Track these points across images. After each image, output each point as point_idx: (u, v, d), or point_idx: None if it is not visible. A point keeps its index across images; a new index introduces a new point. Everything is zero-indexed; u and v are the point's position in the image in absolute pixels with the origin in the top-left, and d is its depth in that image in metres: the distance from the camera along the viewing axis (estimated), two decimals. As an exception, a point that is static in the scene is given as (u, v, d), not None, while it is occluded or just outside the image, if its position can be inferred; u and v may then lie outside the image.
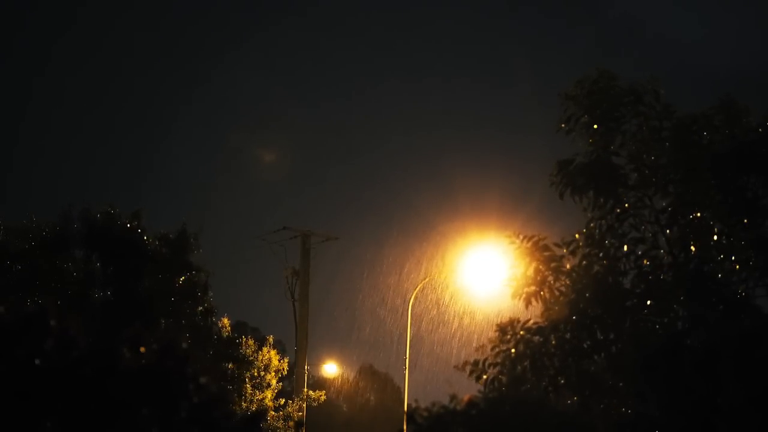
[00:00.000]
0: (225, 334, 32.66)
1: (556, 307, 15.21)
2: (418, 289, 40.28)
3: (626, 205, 15.69)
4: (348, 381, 68.49)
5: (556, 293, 15.34)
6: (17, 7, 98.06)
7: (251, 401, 33.75)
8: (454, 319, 43.49)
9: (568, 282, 15.34)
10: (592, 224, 15.63)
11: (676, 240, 15.62)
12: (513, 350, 15.01)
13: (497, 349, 15.10)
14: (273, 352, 35.16)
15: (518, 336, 15.08)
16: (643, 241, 15.59)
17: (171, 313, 29.24)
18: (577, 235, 15.63)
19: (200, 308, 30.40)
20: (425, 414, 10.39)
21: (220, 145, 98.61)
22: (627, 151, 15.98)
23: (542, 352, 14.93)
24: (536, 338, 15.05)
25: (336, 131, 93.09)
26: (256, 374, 34.38)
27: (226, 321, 32.92)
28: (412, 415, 10.45)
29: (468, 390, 13.94)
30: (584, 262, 15.43)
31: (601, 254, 15.47)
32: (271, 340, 35.69)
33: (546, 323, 15.15)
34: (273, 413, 34.64)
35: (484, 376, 15.10)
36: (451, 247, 40.43)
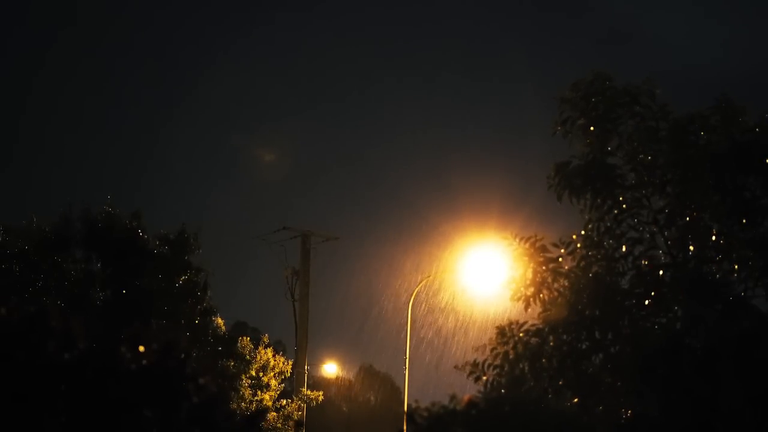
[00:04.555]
0: (222, 333, 32.61)
1: (555, 309, 15.23)
2: (418, 288, 40.31)
3: (624, 206, 15.72)
4: (348, 381, 68.54)
5: (555, 294, 15.36)
6: (14, 6, 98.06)
7: (250, 402, 33.72)
8: (454, 318, 43.54)
9: (566, 283, 15.36)
10: (590, 225, 15.67)
11: (674, 240, 15.64)
12: (512, 351, 15.03)
13: (496, 351, 15.13)
14: (270, 352, 35.07)
15: (517, 337, 15.09)
16: (641, 241, 15.62)
17: (170, 313, 29.25)
18: (574, 236, 15.65)
19: (199, 307, 30.42)
20: (425, 414, 10.41)
21: (220, 145, 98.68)
22: (624, 152, 16.02)
23: (541, 353, 14.95)
24: (534, 340, 15.06)
25: (336, 131, 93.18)
26: (254, 374, 34.32)
27: (220, 321, 32.87)
28: (412, 415, 10.47)
29: (468, 390, 13.98)
30: (582, 263, 15.46)
31: (599, 255, 15.50)
32: (266, 339, 35.57)
33: (545, 324, 15.17)
34: (274, 413, 34.60)
35: (484, 377, 15.12)
36: (451, 247, 40.46)
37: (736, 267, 15.29)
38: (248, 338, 34.82)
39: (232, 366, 32.94)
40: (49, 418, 7.72)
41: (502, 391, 14.79)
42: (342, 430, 63.78)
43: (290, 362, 36.21)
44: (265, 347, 35.07)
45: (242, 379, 33.76)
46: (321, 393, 38.09)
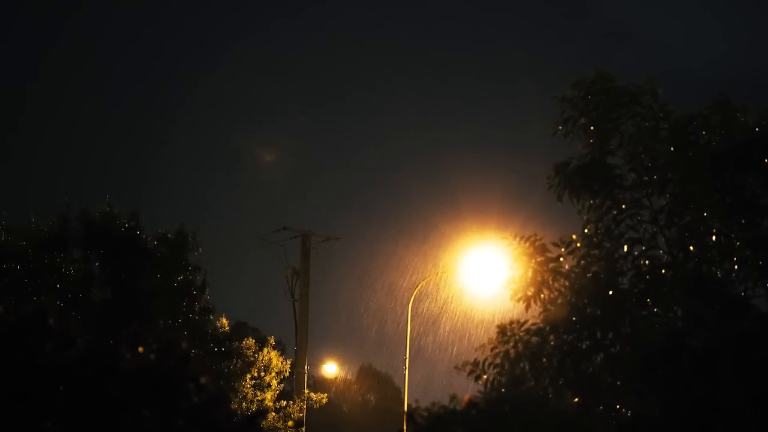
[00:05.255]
0: (223, 333, 32.60)
1: (555, 308, 15.21)
2: (418, 289, 40.30)
3: (623, 206, 15.71)
4: (348, 381, 68.55)
5: (555, 294, 15.34)
6: (11, 6, 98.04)
7: (251, 401, 33.73)
8: (454, 318, 43.54)
9: (566, 283, 15.34)
10: (589, 226, 15.66)
11: (674, 240, 15.64)
12: (512, 351, 15.01)
13: (496, 350, 15.11)
14: (274, 353, 35.11)
15: (517, 337, 15.08)
16: (641, 241, 15.61)
17: (169, 313, 29.25)
18: (574, 236, 15.64)
19: (197, 306, 30.42)
20: (425, 414, 10.39)
21: (220, 144, 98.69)
22: (624, 152, 16.00)
23: (541, 352, 14.93)
24: (535, 339, 15.05)
25: (336, 131, 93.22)
26: (256, 374, 34.34)
27: (224, 321, 32.92)
28: (412, 415, 10.45)
29: (468, 390, 13.97)
30: (583, 263, 15.45)
31: (599, 255, 15.48)
32: (272, 341, 35.66)
33: (545, 324, 15.16)
34: (274, 414, 34.61)
35: (484, 377, 15.11)
36: (451, 247, 40.46)
37: (736, 267, 15.29)
38: (254, 340, 34.83)
39: (233, 366, 32.94)
40: (48, 418, 7.71)
41: (503, 390, 14.78)
42: (342, 430, 63.74)
43: (288, 362, 36.18)
44: (272, 348, 35.10)
45: (245, 380, 33.77)
46: (325, 395, 38.06)
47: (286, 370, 35.47)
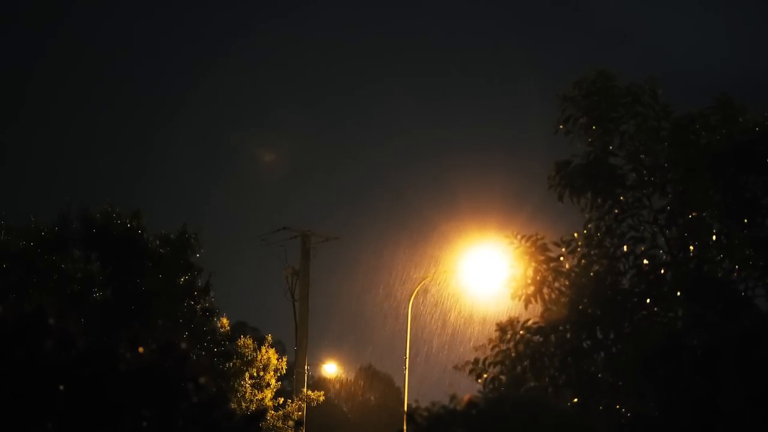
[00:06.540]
0: (224, 334, 32.60)
1: (556, 307, 15.21)
2: (418, 288, 40.29)
3: (624, 205, 15.70)
4: (348, 381, 68.57)
5: (556, 293, 15.35)
6: (10, 3, 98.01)
7: (251, 401, 33.74)
8: (454, 318, 43.54)
9: (567, 282, 15.35)
10: (590, 225, 15.66)
11: (675, 240, 15.64)
12: (513, 350, 15.02)
13: (497, 349, 15.12)
14: (272, 351, 35.12)
15: (518, 336, 15.09)
16: (642, 241, 15.61)
17: (170, 314, 29.26)
18: (576, 235, 15.65)
19: (199, 307, 30.42)
20: (425, 414, 10.37)
21: (220, 144, 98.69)
22: (625, 151, 16.01)
23: (542, 351, 14.94)
24: (536, 338, 15.06)
25: (336, 131, 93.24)
26: (255, 374, 34.34)
27: (225, 321, 32.93)
28: (412, 415, 10.44)
29: (468, 390, 13.96)
30: (583, 262, 15.45)
31: (600, 254, 15.48)
32: (269, 339, 35.64)
33: (545, 323, 15.16)
34: (272, 413, 34.63)
35: (484, 375, 15.12)
36: (451, 247, 40.45)
37: (736, 267, 15.29)
38: (251, 339, 34.81)
39: (232, 366, 32.95)
40: (48, 418, 7.70)
41: (502, 389, 14.78)
42: (342, 430, 63.75)
43: (284, 359, 36.18)
44: (270, 347, 35.08)
45: (245, 379, 33.77)
46: (322, 393, 38.11)
47: (282, 368, 35.46)
